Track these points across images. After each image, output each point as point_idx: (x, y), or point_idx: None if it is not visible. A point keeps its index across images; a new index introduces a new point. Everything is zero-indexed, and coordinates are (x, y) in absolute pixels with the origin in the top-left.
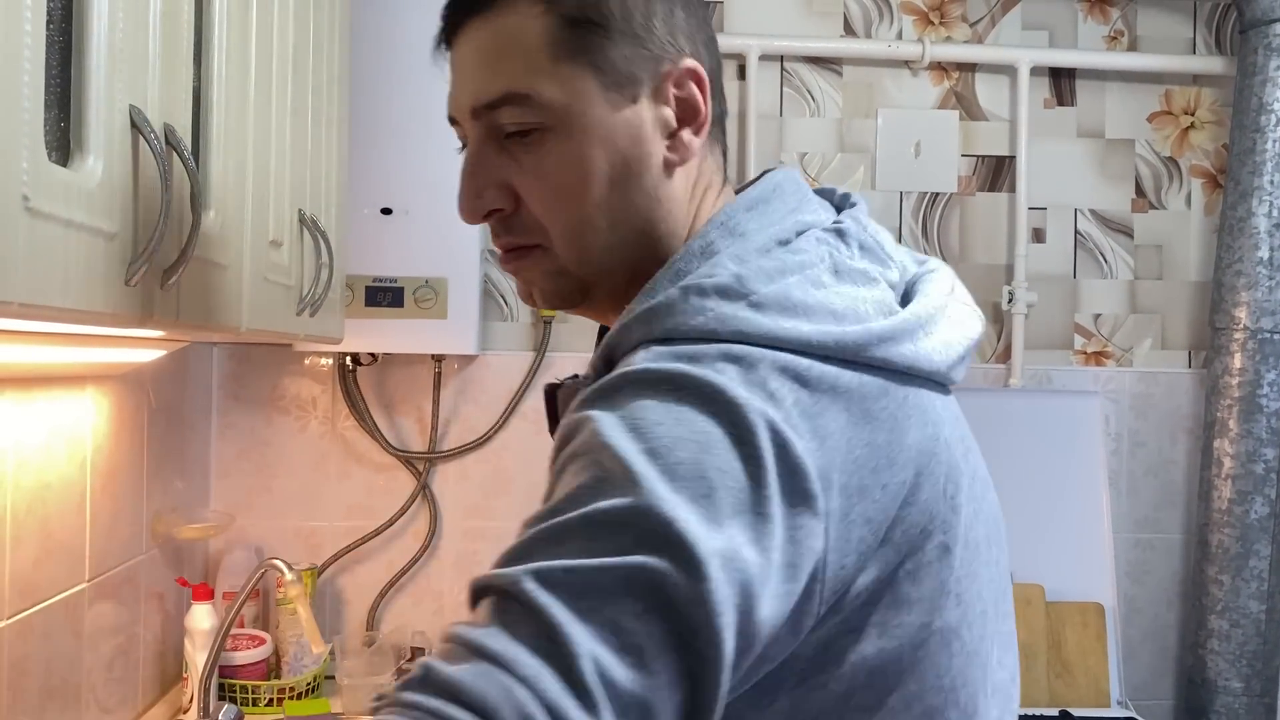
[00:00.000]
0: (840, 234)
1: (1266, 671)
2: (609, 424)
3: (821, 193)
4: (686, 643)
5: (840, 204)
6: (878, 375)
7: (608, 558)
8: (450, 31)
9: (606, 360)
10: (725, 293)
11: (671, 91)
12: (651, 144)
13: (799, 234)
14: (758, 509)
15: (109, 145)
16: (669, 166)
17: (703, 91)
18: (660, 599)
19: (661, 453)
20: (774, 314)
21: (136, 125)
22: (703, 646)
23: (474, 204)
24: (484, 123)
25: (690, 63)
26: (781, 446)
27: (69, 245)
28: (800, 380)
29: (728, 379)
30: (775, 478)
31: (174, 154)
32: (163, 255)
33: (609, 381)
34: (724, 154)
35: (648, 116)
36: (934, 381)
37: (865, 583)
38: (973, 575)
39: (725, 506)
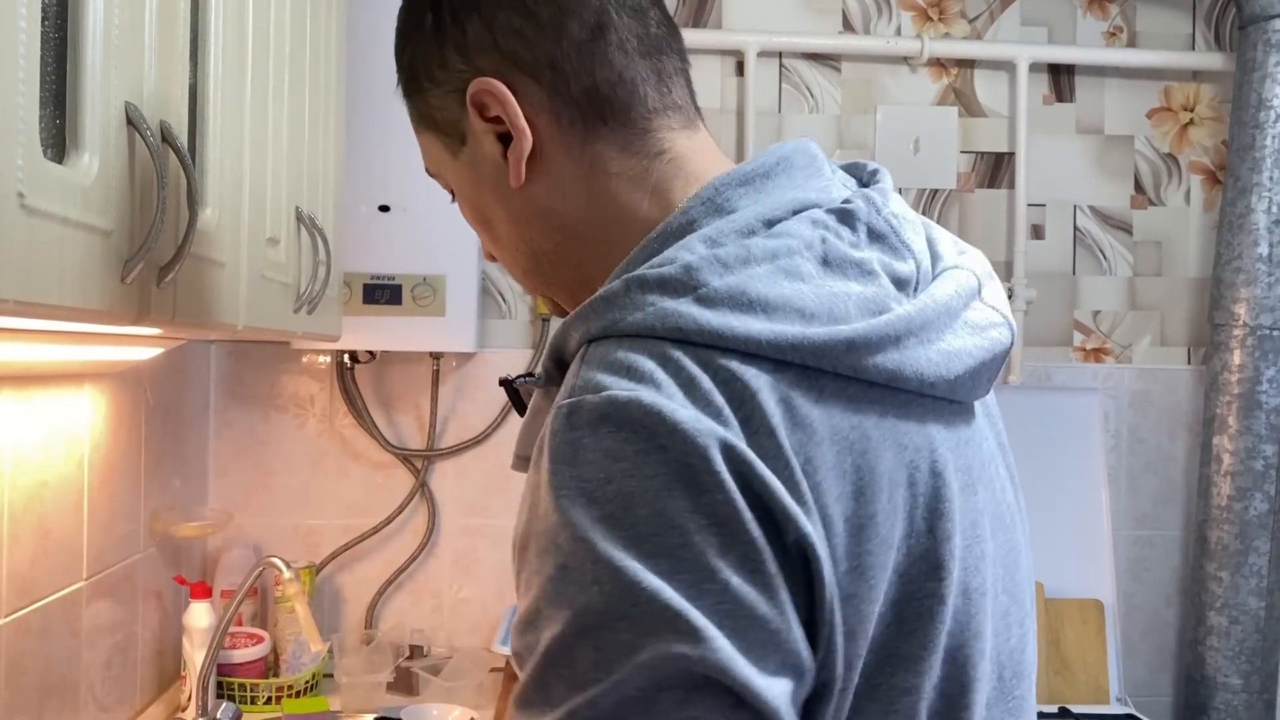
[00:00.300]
0: (845, 216)
1: (1266, 668)
2: (560, 492)
3: (850, 167)
4: (739, 700)
5: (868, 181)
6: (849, 386)
7: (621, 668)
8: None
9: (556, 359)
10: (669, 285)
11: (479, 120)
12: (488, 176)
13: (796, 213)
14: (741, 537)
15: (104, 142)
16: (516, 185)
17: (503, 104)
18: (692, 678)
19: (619, 518)
20: (724, 310)
21: (132, 122)
22: (751, 701)
23: (484, 249)
24: None
25: (480, 83)
26: (743, 467)
27: (64, 242)
28: (756, 387)
29: (666, 399)
30: (743, 503)
31: (170, 151)
32: (159, 252)
33: (552, 426)
34: (659, 114)
35: (477, 152)
36: (937, 397)
37: (843, 632)
38: (975, 633)
39: (705, 550)
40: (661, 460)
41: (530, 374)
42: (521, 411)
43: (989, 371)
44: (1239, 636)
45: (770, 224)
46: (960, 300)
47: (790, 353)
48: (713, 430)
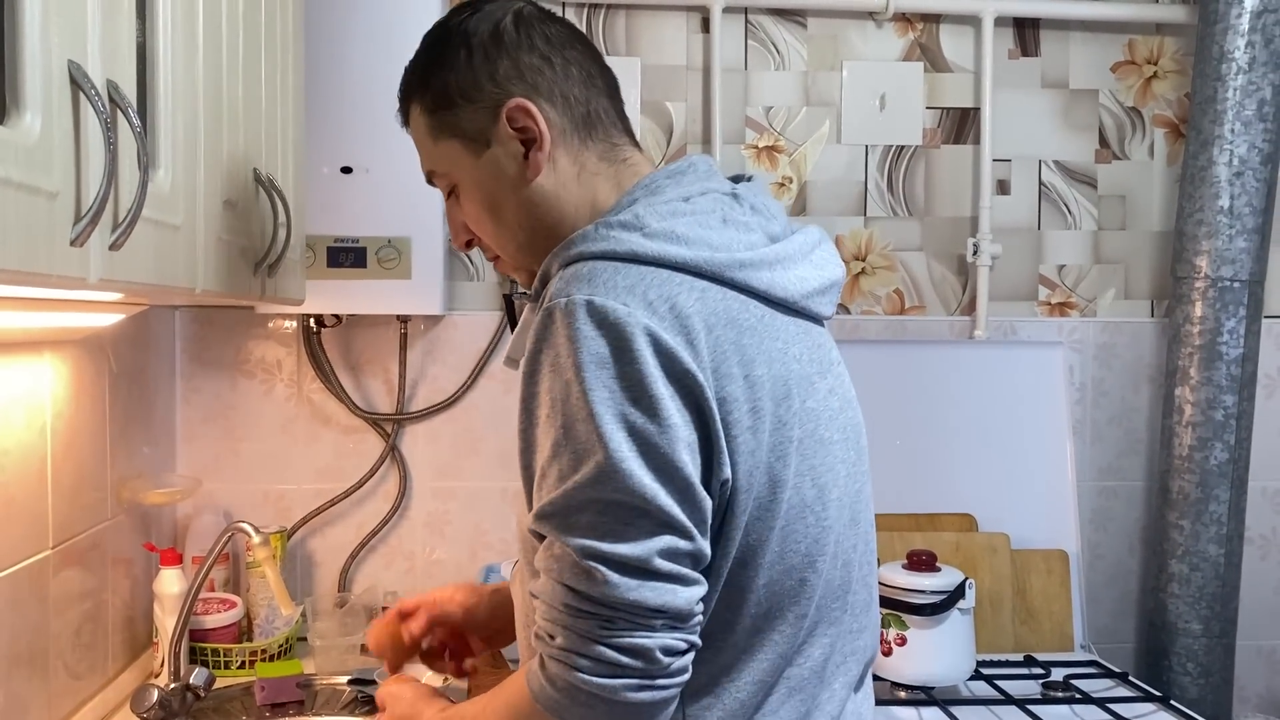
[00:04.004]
0: (735, 197)
1: (1225, 614)
2: (540, 366)
3: (732, 178)
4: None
5: (743, 180)
6: (742, 295)
7: (578, 476)
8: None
9: (542, 280)
10: (625, 225)
11: (509, 129)
12: (509, 170)
13: (703, 195)
14: (651, 391)
15: (47, 102)
16: (529, 181)
17: (533, 118)
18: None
19: (571, 381)
20: (660, 241)
21: (76, 81)
22: (665, 472)
23: (456, 241)
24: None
25: (516, 101)
26: (656, 345)
27: (6, 204)
28: (674, 293)
29: (614, 299)
30: (657, 367)
31: (118, 111)
32: (110, 216)
33: (539, 321)
34: (622, 135)
35: (500, 154)
36: (796, 312)
37: (746, 464)
38: (827, 467)
39: (622, 399)
40: (604, 340)
41: (525, 292)
42: (513, 322)
43: (828, 293)
44: (1199, 583)
45: (687, 199)
46: (807, 248)
47: (704, 268)
48: (639, 320)
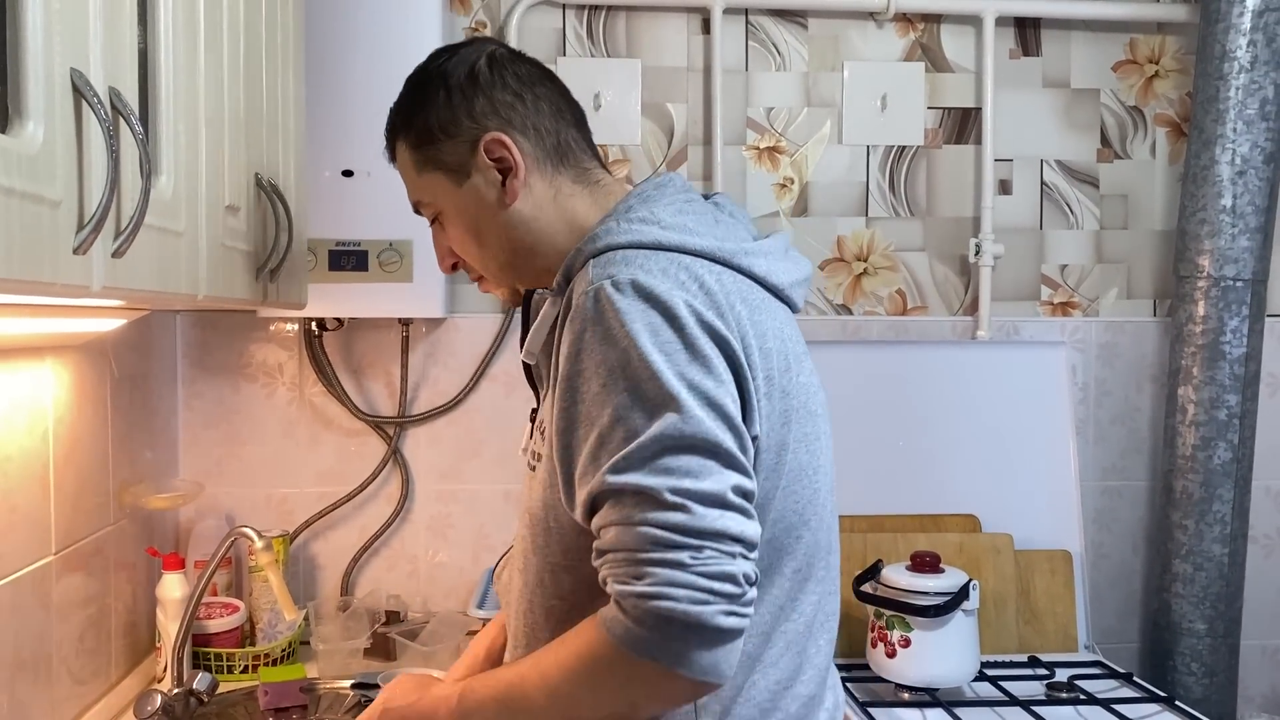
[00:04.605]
0: (717, 204)
1: (1229, 613)
2: (591, 343)
3: (705, 195)
4: (722, 421)
5: (711, 194)
6: (746, 278)
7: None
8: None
9: (565, 276)
10: (644, 220)
11: (486, 160)
12: (489, 197)
13: (688, 201)
14: (702, 352)
15: (49, 110)
16: (508, 206)
17: (508, 149)
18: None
19: (630, 350)
20: (677, 232)
21: (79, 89)
22: (725, 420)
23: (441, 264)
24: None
25: (491, 135)
26: (697, 315)
27: (10, 213)
28: (700, 273)
29: (651, 277)
30: (701, 332)
31: (120, 118)
32: (113, 223)
33: (584, 305)
34: (592, 160)
35: (480, 183)
36: (781, 299)
37: (765, 426)
38: (816, 435)
39: (679, 360)
40: (653, 311)
41: (546, 287)
42: (526, 321)
43: (803, 286)
44: (1203, 583)
45: (679, 203)
46: (783, 247)
47: (716, 254)
48: (678, 295)
